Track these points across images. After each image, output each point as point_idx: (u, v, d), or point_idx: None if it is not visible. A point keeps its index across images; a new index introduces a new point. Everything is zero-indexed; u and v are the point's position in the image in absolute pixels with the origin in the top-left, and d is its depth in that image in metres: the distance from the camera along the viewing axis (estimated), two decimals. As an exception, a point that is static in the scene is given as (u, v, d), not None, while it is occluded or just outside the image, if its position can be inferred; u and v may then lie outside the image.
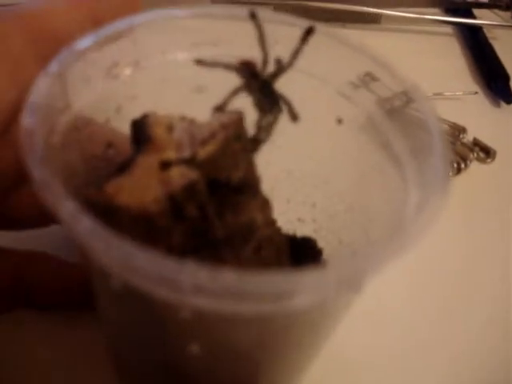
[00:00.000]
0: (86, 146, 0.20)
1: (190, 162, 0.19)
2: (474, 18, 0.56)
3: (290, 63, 0.22)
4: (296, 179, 0.26)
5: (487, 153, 0.41)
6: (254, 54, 0.22)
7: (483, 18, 0.56)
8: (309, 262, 0.25)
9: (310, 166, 0.25)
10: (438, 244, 0.33)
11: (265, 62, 0.22)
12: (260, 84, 0.22)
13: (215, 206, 0.19)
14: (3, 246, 0.25)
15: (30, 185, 0.15)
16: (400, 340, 0.30)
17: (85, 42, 0.20)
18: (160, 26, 0.22)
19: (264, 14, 0.22)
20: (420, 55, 0.49)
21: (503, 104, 0.47)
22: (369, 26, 0.53)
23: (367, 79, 0.22)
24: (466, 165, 0.39)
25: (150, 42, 0.22)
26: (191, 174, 0.19)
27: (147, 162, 0.19)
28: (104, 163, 0.21)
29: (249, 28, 0.22)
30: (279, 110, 0.22)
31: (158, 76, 0.23)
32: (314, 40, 0.22)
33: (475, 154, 0.40)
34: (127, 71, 0.22)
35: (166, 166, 0.19)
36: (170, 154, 0.19)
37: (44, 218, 0.23)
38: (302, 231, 0.27)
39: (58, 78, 0.19)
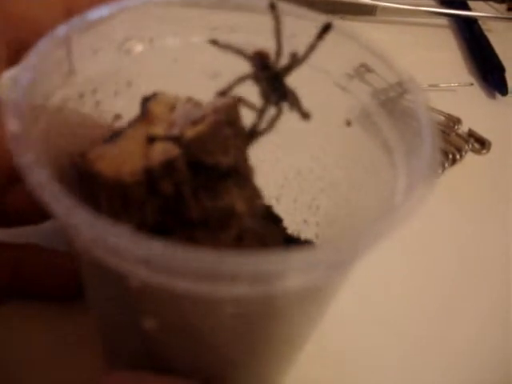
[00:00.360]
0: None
1: (176, 140, 0.19)
2: (470, 10, 0.56)
3: (304, 58, 0.22)
4: (303, 179, 0.26)
5: (482, 144, 0.41)
6: (270, 45, 0.22)
7: (478, 10, 0.56)
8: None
9: (317, 167, 0.25)
10: (433, 235, 0.34)
11: (278, 54, 0.21)
12: (270, 75, 0.21)
13: (194, 186, 0.19)
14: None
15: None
16: (396, 337, 0.29)
17: (97, 13, 0.21)
18: (178, 9, 0.22)
19: (284, 6, 0.22)
20: (415, 47, 0.50)
21: (498, 95, 0.47)
22: (364, 18, 0.52)
23: (362, 70, 0.21)
24: (461, 156, 0.40)
25: (166, 22, 0.23)
26: (173, 151, 0.18)
27: (135, 135, 0.19)
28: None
29: (268, 19, 0.22)
30: (285, 105, 0.22)
31: (172, 56, 0.23)
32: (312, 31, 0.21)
33: (470, 145, 0.41)
34: (140, 47, 0.22)
35: (151, 140, 0.19)
36: (159, 130, 0.19)
37: (37, 214, 0.24)
38: (305, 234, 0.26)
39: (63, 42, 0.19)
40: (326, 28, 0.22)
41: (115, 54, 0.22)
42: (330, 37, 0.21)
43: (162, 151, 0.19)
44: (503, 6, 0.59)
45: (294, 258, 0.15)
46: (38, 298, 0.26)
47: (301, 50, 0.22)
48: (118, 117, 0.23)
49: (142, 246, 0.14)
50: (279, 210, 0.27)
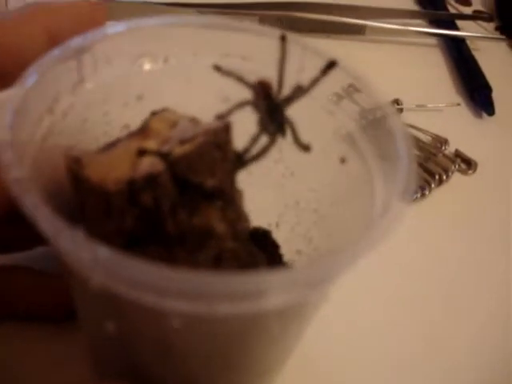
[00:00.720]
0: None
1: (164, 156, 0.20)
2: (458, 29, 0.56)
3: (306, 91, 0.22)
4: (300, 210, 0.26)
5: (469, 164, 0.42)
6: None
7: (467, 29, 0.56)
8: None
9: (313, 199, 0.25)
10: (420, 255, 0.35)
11: (279, 85, 0.22)
12: (270, 105, 0.22)
13: (174, 202, 0.19)
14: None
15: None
16: (384, 347, 0.30)
17: (114, 28, 0.22)
18: (194, 30, 0.23)
19: (294, 38, 0.23)
20: (404, 66, 0.50)
21: (485, 115, 0.47)
22: (354, 37, 0.53)
23: (351, 90, 0.22)
24: (447, 176, 0.40)
25: (182, 42, 0.23)
26: (158, 166, 0.19)
27: (128, 146, 0.20)
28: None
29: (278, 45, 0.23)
30: (279, 136, 0.22)
31: (185, 76, 0.24)
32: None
33: (457, 166, 0.41)
34: (153, 65, 0.23)
35: (141, 153, 0.20)
36: (152, 145, 0.20)
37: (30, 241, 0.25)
38: (298, 263, 0.27)
39: (75, 52, 0.21)
40: (330, 64, 0.22)
41: (128, 68, 0.23)
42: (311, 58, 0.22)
43: (148, 165, 0.19)
44: (491, 25, 0.59)
45: (272, 278, 0.15)
46: (29, 319, 0.26)
47: (304, 82, 0.22)
48: (125, 127, 0.24)
49: (133, 267, 0.15)
50: (278, 236, 0.27)
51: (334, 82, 0.22)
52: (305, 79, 0.22)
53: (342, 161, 0.23)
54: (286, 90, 0.22)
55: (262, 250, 0.24)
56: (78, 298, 0.21)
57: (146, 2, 0.49)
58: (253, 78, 0.22)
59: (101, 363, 0.24)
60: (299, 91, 0.22)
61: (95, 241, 0.15)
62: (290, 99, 0.22)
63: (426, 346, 0.30)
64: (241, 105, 0.22)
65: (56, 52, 0.20)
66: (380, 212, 0.19)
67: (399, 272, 0.34)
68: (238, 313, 0.16)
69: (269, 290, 0.15)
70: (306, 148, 0.23)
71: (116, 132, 0.24)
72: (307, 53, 0.23)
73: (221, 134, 0.20)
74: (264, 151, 0.22)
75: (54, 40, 0.22)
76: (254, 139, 0.22)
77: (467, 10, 0.61)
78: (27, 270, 0.26)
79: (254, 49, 0.23)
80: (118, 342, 0.21)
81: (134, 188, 0.19)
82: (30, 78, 0.19)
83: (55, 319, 0.26)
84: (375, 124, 0.22)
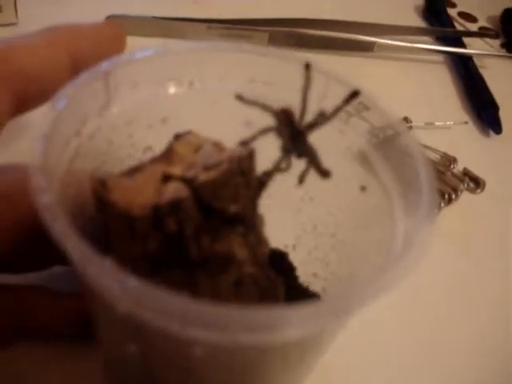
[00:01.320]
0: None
1: (189, 182, 0.20)
2: (464, 46, 0.57)
3: (329, 119, 0.23)
4: (318, 234, 0.26)
5: (477, 183, 0.42)
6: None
7: (473, 46, 0.57)
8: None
9: (331, 224, 0.25)
10: (430, 274, 0.34)
11: (303, 113, 0.22)
12: (293, 132, 0.22)
13: (197, 228, 0.20)
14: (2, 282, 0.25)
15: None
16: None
17: (142, 53, 0.22)
18: (220, 54, 0.24)
19: (318, 65, 0.23)
20: (412, 83, 0.51)
21: (492, 133, 0.48)
22: (362, 54, 0.53)
23: (360, 108, 0.22)
24: (456, 195, 0.40)
25: (207, 66, 0.24)
26: (183, 193, 0.20)
27: (153, 171, 0.21)
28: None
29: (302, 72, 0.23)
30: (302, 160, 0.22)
31: (210, 99, 0.24)
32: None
33: (465, 185, 0.41)
34: (179, 88, 0.24)
35: (166, 178, 0.20)
36: (177, 170, 0.21)
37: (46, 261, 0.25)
38: (314, 287, 0.27)
39: (102, 76, 0.21)
40: (353, 94, 0.22)
41: (154, 91, 0.23)
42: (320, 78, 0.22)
43: (173, 190, 0.20)
44: (497, 42, 0.59)
45: (292, 313, 0.16)
46: (43, 338, 0.26)
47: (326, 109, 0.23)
48: (148, 148, 0.24)
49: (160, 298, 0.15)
50: (294, 258, 0.28)
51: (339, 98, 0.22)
52: (327, 106, 0.23)
53: (363, 189, 0.23)
54: (309, 117, 0.23)
55: (278, 272, 0.24)
56: (101, 321, 0.21)
57: (157, 18, 0.49)
58: (276, 103, 0.22)
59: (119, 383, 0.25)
60: (321, 118, 0.23)
61: (123, 270, 0.15)
62: (312, 126, 0.22)
63: (428, 350, 0.31)
64: (264, 131, 0.22)
65: (84, 76, 0.20)
66: (402, 242, 0.19)
67: (409, 289, 0.33)
68: (258, 343, 0.17)
69: (289, 323, 0.16)
70: (326, 174, 0.23)
71: (139, 153, 0.24)
72: (330, 81, 0.23)
73: (245, 161, 0.21)
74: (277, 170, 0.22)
75: (77, 64, 0.22)
76: (277, 165, 0.22)
77: (473, 26, 0.62)
78: (42, 289, 0.26)
79: (278, 75, 0.24)
80: (139, 364, 0.21)
81: (158, 213, 0.19)
82: (60, 101, 0.19)
83: (70, 338, 0.26)
84: (389, 143, 0.22)
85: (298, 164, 0.23)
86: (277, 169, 0.22)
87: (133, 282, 0.15)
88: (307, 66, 0.23)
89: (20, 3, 0.47)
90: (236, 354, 0.18)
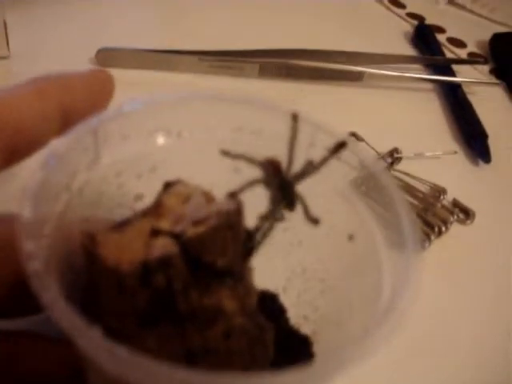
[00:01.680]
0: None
1: (177, 237, 0.20)
2: (453, 72, 0.57)
3: (316, 169, 0.23)
4: (307, 278, 0.26)
5: (467, 214, 0.42)
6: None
7: (462, 72, 0.57)
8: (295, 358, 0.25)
9: (321, 269, 0.26)
10: (421, 307, 0.33)
11: (289, 164, 0.23)
12: (280, 183, 0.23)
13: (186, 282, 0.20)
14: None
15: None
16: None
17: (131, 106, 0.22)
18: (207, 103, 0.24)
19: (305, 116, 0.23)
20: (402, 112, 0.52)
21: (482, 163, 0.48)
22: (352, 84, 0.53)
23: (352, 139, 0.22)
24: (446, 227, 0.40)
25: (195, 116, 0.24)
26: (172, 248, 0.20)
27: (142, 225, 0.21)
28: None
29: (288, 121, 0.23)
30: (289, 211, 0.23)
31: (198, 148, 0.25)
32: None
33: (455, 216, 0.41)
34: (168, 139, 0.24)
35: (155, 233, 0.20)
36: (164, 224, 0.21)
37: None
38: (304, 329, 0.27)
39: (92, 131, 0.21)
40: (340, 145, 0.23)
41: (143, 143, 0.24)
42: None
43: (161, 246, 0.20)
44: (486, 68, 0.60)
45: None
46: None
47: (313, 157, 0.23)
48: (139, 197, 0.24)
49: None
50: (285, 300, 0.28)
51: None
52: (314, 155, 0.23)
53: (350, 238, 0.24)
54: (296, 166, 0.23)
55: (268, 314, 0.24)
56: (91, 377, 0.21)
57: (146, 50, 0.50)
58: (264, 152, 0.23)
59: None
60: (309, 168, 0.23)
61: (113, 341, 0.15)
62: (300, 176, 0.23)
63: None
64: (252, 183, 0.23)
65: (73, 132, 0.21)
66: (389, 294, 0.20)
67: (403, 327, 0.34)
68: None
69: None
70: (315, 221, 0.23)
71: (129, 202, 0.24)
72: (318, 130, 0.23)
73: (233, 215, 0.21)
74: (269, 229, 0.22)
75: (67, 114, 0.22)
76: (266, 217, 0.22)
77: (462, 52, 0.62)
78: (30, 334, 0.25)
79: (266, 124, 0.24)
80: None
81: (147, 269, 0.19)
82: (49, 159, 0.20)
83: None
84: (369, 181, 0.23)
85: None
86: (265, 223, 0.22)
87: (121, 352, 0.15)
88: (294, 117, 0.23)
89: (12, 36, 0.47)
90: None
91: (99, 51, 0.48)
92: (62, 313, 0.16)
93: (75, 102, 0.23)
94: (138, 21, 0.57)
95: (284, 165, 0.23)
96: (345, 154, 0.23)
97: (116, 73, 0.25)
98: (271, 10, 0.61)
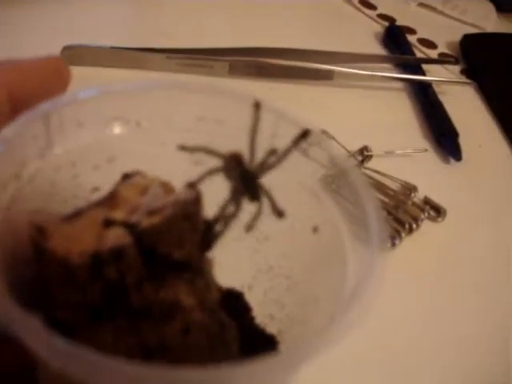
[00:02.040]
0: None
1: (131, 227, 0.19)
2: (424, 72, 0.57)
3: (279, 160, 0.22)
4: (274, 275, 0.26)
5: (438, 211, 0.42)
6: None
7: (433, 72, 0.57)
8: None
9: (286, 265, 0.25)
10: (390, 304, 0.33)
11: (252, 154, 0.22)
12: (242, 173, 0.22)
13: (140, 275, 0.19)
14: None
15: None
16: None
17: (86, 93, 0.21)
18: (168, 93, 0.23)
19: (268, 104, 0.22)
20: (372, 111, 0.51)
21: (453, 161, 0.48)
22: (322, 82, 0.53)
23: (311, 145, 0.22)
24: (417, 225, 0.40)
25: (155, 106, 0.23)
26: (125, 239, 0.19)
27: (95, 216, 0.20)
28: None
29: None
30: (255, 203, 0.22)
31: (158, 140, 0.24)
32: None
33: (426, 214, 0.41)
34: (125, 128, 0.23)
35: (107, 223, 0.19)
36: (119, 214, 0.20)
37: None
38: (270, 328, 0.26)
39: (42, 117, 0.20)
40: (304, 134, 0.22)
41: (99, 132, 0.23)
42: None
43: (114, 237, 0.19)
44: (457, 68, 0.60)
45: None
46: None
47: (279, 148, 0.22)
48: (96, 189, 0.23)
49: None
50: (251, 298, 0.27)
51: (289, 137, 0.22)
52: (278, 144, 0.22)
53: (315, 230, 0.23)
54: (259, 156, 0.22)
55: (233, 313, 0.23)
56: (40, 373, 0.20)
57: (114, 48, 0.49)
58: (227, 142, 0.22)
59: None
60: (272, 158, 0.22)
61: (51, 330, 0.14)
62: (263, 167, 0.22)
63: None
64: (211, 172, 0.22)
65: (23, 118, 0.20)
66: (354, 285, 0.19)
67: (371, 323, 0.33)
68: None
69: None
70: (280, 214, 0.22)
71: (85, 194, 0.23)
72: (281, 119, 0.23)
73: (190, 204, 0.20)
74: (230, 219, 0.22)
75: (16, 100, 0.21)
76: (223, 209, 0.21)
77: (433, 53, 0.62)
78: None
79: (229, 113, 0.23)
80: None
81: (98, 261, 0.18)
82: (-4, 146, 0.19)
83: None
84: (339, 178, 0.22)
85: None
86: (226, 214, 0.21)
87: (59, 343, 0.14)
88: (257, 105, 0.22)
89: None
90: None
91: (64, 48, 0.47)
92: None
93: (25, 88, 0.22)
94: (107, 19, 0.56)
95: (246, 155, 0.22)
96: (315, 150, 0.23)
97: (82, 71, 0.25)
98: (242, 8, 0.61)
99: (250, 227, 0.23)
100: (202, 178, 0.21)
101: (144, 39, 0.51)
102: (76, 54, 0.47)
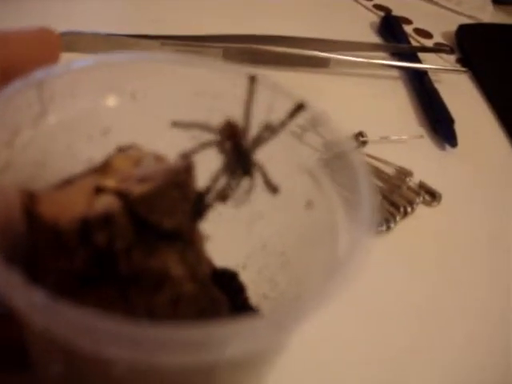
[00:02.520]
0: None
1: (122, 194, 0.19)
2: (420, 61, 0.56)
3: (274, 133, 0.22)
4: (267, 253, 0.25)
5: (433, 196, 0.42)
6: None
7: (428, 62, 0.57)
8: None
9: (279, 243, 0.25)
10: (385, 288, 0.35)
11: (246, 127, 0.22)
12: (236, 147, 0.22)
13: (129, 242, 0.19)
14: None
15: None
16: None
17: (81, 62, 0.21)
18: (164, 66, 0.23)
19: (264, 78, 0.22)
20: (368, 98, 0.51)
21: (448, 147, 0.48)
22: (318, 70, 0.53)
23: (310, 124, 0.22)
24: (412, 208, 0.40)
25: (151, 78, 0.23)
26: (114, 205, 0.19)
27: (86, 184, 0.20)
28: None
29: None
30: (247, 178, 0.22)
31: (154, 113, 0.23)
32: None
33: (421, 198, 0.41)
34: (120, 100, 0.23)
35: (98, 191, 0.19)
36: (109, 182, 0.20)
37: None
38: (264, 308, 0.26)
39: (35, 85, 0.20)
40: (299, 107, 0.22)
41: (94, 102, 0.22)
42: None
43: (104, 203, 0.19)
44: (452, 57, 0.60)
45: (215, 331, 0.15)
46: None
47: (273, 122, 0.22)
48: (90, 160, 0.23)
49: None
50: (245, 278, 0.27)
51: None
52: (274, 119, 0.22)
53: (308, 204, 0.23)
54: (254, 131, 0.22)
55: (227, 293, 0.23)
56: (26, 340, 0.20)
57: (110, 34, 0.48)
58: (222, 117, 0.22)
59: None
60: (267, 133, 0.22)
61: (32, 284, 0.14)
62: (258, 141, 0.22)
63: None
64: (204, 145, 0.21)
65: (16, 85, 0.20)
66: (342, 259, 0.19)
67: (365, 306, 0.33)
68: (181, 364, 0.16)
69: (210, 343, 0.15)
70: (274, 190, 0.22)
71: (80, 165, 0.23)
72: (277, 94, 0.22)
73: (182, 174, 0.20)
74: (228, 194, 0.21)
75: (4, 70, 0.21)
76: (214, 181, 0.21)
77: (428, 43, 0.62)
78: None
79: (225, 87, 0.23)
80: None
81: (87, 227, 0.18)
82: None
83: (11, 366, 0.24)
84: (337, 160, 0.22)
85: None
86: (218, 187, 0.21)
87: (40, 297, 0.14)
88: (252, 79, 0.22)
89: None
90: (161, 376, 0.17)
91: (60, 35, 0.47)
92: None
93: (15, 59, 0.22)
94: (101, 5, 0.56)
95: (241, 129, 0.22)
96: (313, 128, 0.23)
97: (76, 57, 0.24)
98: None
99: (241, 201, 0.22)
100: (195, 151, 0.21)
101: (138, 27, 0.51)
102: (71, 41, 0.47)
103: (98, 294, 0.19)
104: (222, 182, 0.22)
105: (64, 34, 0.47)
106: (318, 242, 0.23)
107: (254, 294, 0.26)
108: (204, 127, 0.22)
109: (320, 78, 0.52)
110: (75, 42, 0.48)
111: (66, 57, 0.24)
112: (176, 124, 0.22)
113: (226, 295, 0.23)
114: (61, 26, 0.47)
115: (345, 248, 0.20)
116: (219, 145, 0.22)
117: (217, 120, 0.22)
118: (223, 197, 0.21)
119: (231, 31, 0.52)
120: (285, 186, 0.22)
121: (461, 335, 0.34)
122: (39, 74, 0.20)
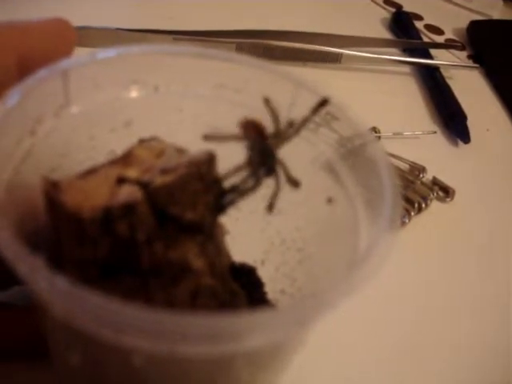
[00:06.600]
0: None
1: (144, 185, 0.19)
2: (431, 57, 0.56)
3: (297, 130, 0.22)
4: (286, 249, 0.25)
5: (446, 192, 0.42)
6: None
7: (440, 58, 0.56)
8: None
9: (299, 238, 0.25)
10: (399, 283, 0.34)
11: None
12: (262, 147, 0.21)
13: (151, 233, 0.19)
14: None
15: None
16: None
17: (104, 53, 0.21)
18: (187, 59, 0.23)
19: (286, 73, 0.22)
20: (379, 94, 0.51)
21: (461, 143, 0.48)
22: (329, 66, 0.53)
23: (328, 118, 0.22)
24: (426, 204, 0.40)
25: (174, 71, 0.23)
26: (137, 196, 0.19)
27: (109, 173, 0.20)
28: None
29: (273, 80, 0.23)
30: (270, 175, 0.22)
31: (175, 106, 0.23)
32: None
33: (435, 194, 0.41)
34: (143, 92, 0.23)
35: (120, 181, 0.19)
36: (132, 173, 0.20)
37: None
38: (281, 304, 0.26)
39: (61, 75, 0.20)
40: (322, 103, 0.22)
41: (117, 94, 0.22)
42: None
43: (126, 193, 0.19)
44: (463, 54, 0.60)
45: (235, 322, 0.15)
46: (3, 358, 0.24)
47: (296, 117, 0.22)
48: (111, 152, 0.23)
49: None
50: (263, 274, 0.27)
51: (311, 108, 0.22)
52: (296, 114, 0.22)
53: (329, 201, 0.23)
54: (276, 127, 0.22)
55: (245, 288, 0.23)
56: (45, 330, 0.20)
57: (121, 29, 0.48)
58: (244, 111, 0.22)
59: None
60: (290, 129, 0.22)
61: (55, 270, 0.14)
62: (281, 138, 0.22)
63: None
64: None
65: (41, 73, 0.19)
66: (364, 254, 0.19)
67: (381, 301, 0.33)
68: (200, 354, 0.16)
69: (230, 334, 0.15)
70: (295, 184, 0.22)
71: (101, 157, 0.23)
72: (299, 88, 0.22)
73: (204, 165, 0.20)
74: (250, 191, 0.21)
75: (24, 64, 0.21)
76: (245, 180, 0.21)
77: (439, 39, 0.62)
78: (3, 305, 0.24)
79: (247, 81, 0.23)
80: (84, 375, 0.20)
81: (109, 216, 0.18)
82: (12, 98, 0.18)
83: (30, 357, 0.24)
84: (357, 154, 0.22)
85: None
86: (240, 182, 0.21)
87: (62, 283, 0.14)
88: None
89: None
90: (179, 366, 0.17)
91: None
92: (5, 241, 0.14)
93: (33, 51, 0.22)
94: (113, 2, 0.56)
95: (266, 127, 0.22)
96: (334, 123, 0.22)
97: (88, 52, 0.24)
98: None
99: (270, 206, 0.22)
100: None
101: (150, 23, 0.50)
102: (83, 36, 0.47)
103: (118, 284, 0.19)
104: (245, 177, 0.22)
105: (76, 28, 0.47)
106: (338, 238, 0.22)
107: (272, 290, 0.26)
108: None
109: (331, 73, 0.52)
110: (86, 36, 0.47)
111: (77, 51, 0.24)
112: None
113: (244, 289, 0.23)
114: (72, 20, 0.47)
115: (365, 244, 0.19)
116: (243, 140, 0.21)
117: (238, 113, 0.22)
118: (245, 192, 0.21)
119: (244, 27, 0.51)
120: (304, 181, 0.22)
121: (472, 332, 0.34)
122: (64, 63, 0.20)
